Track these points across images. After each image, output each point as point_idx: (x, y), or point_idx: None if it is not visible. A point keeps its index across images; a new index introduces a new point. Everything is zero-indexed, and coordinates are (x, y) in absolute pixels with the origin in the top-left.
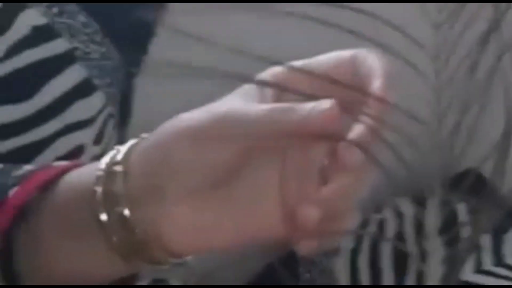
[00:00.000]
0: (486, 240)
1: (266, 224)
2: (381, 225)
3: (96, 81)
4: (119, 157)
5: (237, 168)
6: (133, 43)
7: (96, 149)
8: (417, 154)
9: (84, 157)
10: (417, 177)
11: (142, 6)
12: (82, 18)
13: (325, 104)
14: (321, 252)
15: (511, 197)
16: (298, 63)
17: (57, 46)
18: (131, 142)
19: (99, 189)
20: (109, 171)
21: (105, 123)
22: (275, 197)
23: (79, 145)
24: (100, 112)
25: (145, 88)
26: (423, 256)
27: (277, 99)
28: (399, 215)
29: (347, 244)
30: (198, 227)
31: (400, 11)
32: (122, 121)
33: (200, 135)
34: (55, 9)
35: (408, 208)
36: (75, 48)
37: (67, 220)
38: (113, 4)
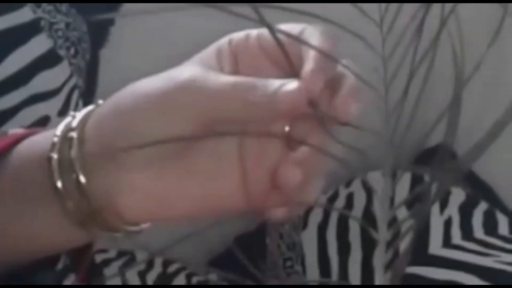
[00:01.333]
0: (454, 214)
1: (225, 194)
2: (350, 198)
3: (61, 52)
4: (75, 123)
5: (194, 142)
6: (99, 13)
7: (61, 120)
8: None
9: (49, 128)
10: (385, 151)
11: None
12: None
13: (292, 85)
14: (289, 222)
15: (467, 161)
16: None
17: (22, 16)
18: (87, 108)
19: (54, 155)
20: (64, 137)
21: (70, 95)
22: (235, 168)
23: (43, 116)
24: (65, 83)
25: (111, 58)
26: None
27: (235, 69)
28: (368, 188)
29: (315, 217)
30: (154, 196)
31: None
32: (88, 92)
33: (159, 104)
34: None
35: (378, 182)
36: (40, 18)
37: (23, 186)
38: None
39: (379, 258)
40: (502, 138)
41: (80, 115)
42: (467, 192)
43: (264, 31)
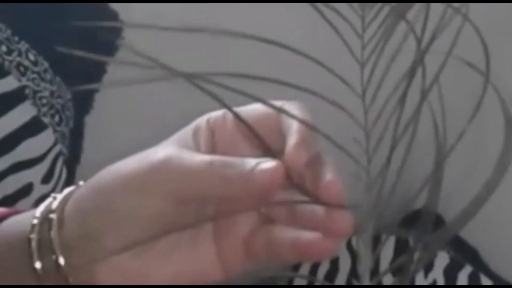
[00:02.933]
0: (439, 278)
1: (203, 268)
2: (335, 262)
3: (45, 120)
4: (55, 205)
5: (174, 219)
6: (84, 81)
7: (45, 188)
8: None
9: (32, 196)
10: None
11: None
12: (31, 56)
13: (269, 163)
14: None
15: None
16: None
17: (6, 84)
18: (67, 189)
19: (34, 237)
20: (44, 219)
21: (54, 162)
22: (211, 243)
23: (27, 183)
24: (49, 150)
25: (96, 126)
26: None
27: (212, 147)
28: (353, 251)
29: (300, 282)
30: (134, 275)
31: (326, 49)
32: (72, 159)
33: (136, 184)
34: (4, 48)
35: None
36: (25, 86)
37: (3, 266)
38: (65, 42)
39: None
40: (487, 202)
41: (60, 196)
42: (451, 255)
43: (241, 110)
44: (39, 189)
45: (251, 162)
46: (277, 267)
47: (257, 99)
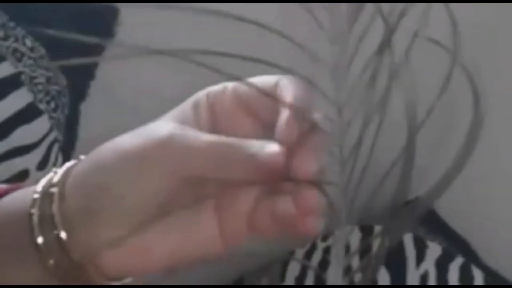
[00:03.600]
0: (431, 269)
1: (204, 243)
2: (327, 251)
3: (41, 106)
4: (56, 179)
5: (176, 195)
6: (80, 68)
7: (41, 174)
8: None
9: (28, 182)
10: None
11: (91, 29)
12: (28, 42)
13: (273, 147)
14: (267, 276)
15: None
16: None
17: (2, 70)
18: (68, 163)
19: (35, 211)
20: (45, 193)
21: (49, 148)
22: (212, 217)
23: (23, 169)
24: (44, 137)
25: (91, 112)
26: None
27: (212, 121)
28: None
29: (293, 270)
30: (135, 250)
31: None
32: (67, 146)
33: (138, 161)
34: (0, 33)
35: (355, 235)
36: (21, 73)
37: (4, 241)
38: (62, 28)
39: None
40: (479, 192)
41: (61, 170)
42: (443, 246)
43: (240, 83)
44: (34, 176)
45: (255, 144)
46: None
47: (235, 78)
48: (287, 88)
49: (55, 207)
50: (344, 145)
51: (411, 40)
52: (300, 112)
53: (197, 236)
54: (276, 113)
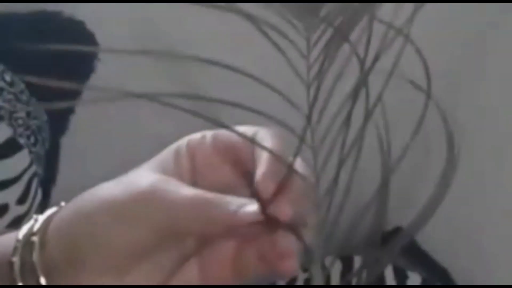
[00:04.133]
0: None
1: None
2: (307, 283)
3: (21, 140)
4: (36, 227)
5: (158, 246)
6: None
7: (20, 209)
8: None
9: (7, 216)
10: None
11: (70, 65)
12: (7, 77)
13: (252, 206)
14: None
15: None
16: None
17: None
18: (49, 211)
19: (16, 260)
20: (26, 241)
21: (29, 182)
22: (194, 264)
23: (3, 204)
24: (24, 171)
25: (71, 147)
26: None
27: (193, 170)
28: (326, 272)
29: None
30: None
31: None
32: (47, 180)
33: (118, 212)
34: None
35: (335, 266)
36: (0, 107)
37: None
38: (40, 63)
39: None
40: (458, 222)
41: (42, 218)
42: (423, 276)
43: (219, 132)
44: (14, 210)
45: (234, 202)
46: None
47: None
48: (266, 138)
49: (35, 255)
50: (319, 186)
51: (386, 80)
52: (278, 162)
53: (178, 281)
54: (254, 161)
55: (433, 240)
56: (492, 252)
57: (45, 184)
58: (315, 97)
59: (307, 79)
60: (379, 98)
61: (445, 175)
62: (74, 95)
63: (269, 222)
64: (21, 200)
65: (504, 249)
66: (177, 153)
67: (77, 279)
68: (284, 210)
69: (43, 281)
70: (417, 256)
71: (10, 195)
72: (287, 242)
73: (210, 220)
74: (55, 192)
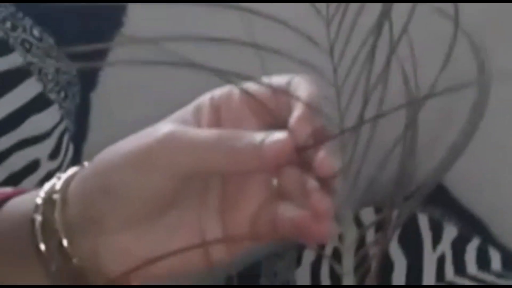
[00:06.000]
0: (447, 251)
1: (207, 248)
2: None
3: (51, 96)
4: (58, 185)
5: (178, 196)
6: (89, 57)
7: (52, 164)
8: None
9: (39, 172)
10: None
11: (99, 20)
12: (36, 32)
13: (279, 134)
14: (283, 261)
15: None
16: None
17: (11, 61)
18: (72, 169)
19: (38, 217)
20: (47, 199)
21: (60, 138)
22: (217, 220)
23: (34, 159)
24: (55, 126)
25: (102, 102)
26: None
27: (216, 125)
28: (360, 225)
29: (308, 255)
30: (138, 256)
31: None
32: (78, 135)
33: (138, 162)
34: (8, 24)
35: (370, 218)
36: (30, 63)
37: (8, 245)
38: (69, 18)
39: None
40: (495, 173)
41: (64, 177)
42: (459, 228)
43: (248, 85)
44: (46, 166)
45: (260, 134)
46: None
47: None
48: (301, 86)
49: (57, 214)
50: (343, 126)
51: (411, 10)
52: (314, 109)
53: (200, 238)
54: (285, 116)
55: (469, 192)
56: None
57: (76, 140)
58: (337, 34)
59: (326, 16)
60: (404, 30)
61: (476, 109)
62: (104, 50)
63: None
64: (52, 156)
65: None
66: (198, 108)
67: (96, 239)
68: (325, 160)
69: (64, 241)
70: (453, 207)
71: (41, 151)
72: (325, 200)
73: (234, 152)
74: (86, 148)
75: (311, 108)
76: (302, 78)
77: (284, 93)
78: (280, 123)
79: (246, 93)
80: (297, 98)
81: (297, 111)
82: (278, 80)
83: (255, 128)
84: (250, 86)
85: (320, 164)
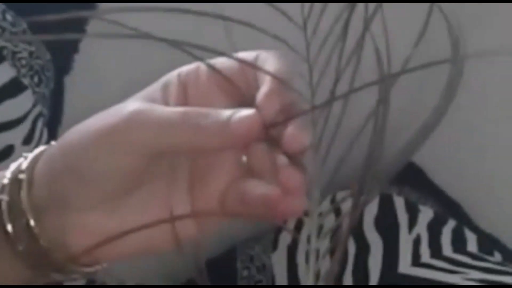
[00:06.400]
0: (423, 233)
1: (178, 223)
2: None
3: (24, 81)
4: (25, 165)
5: (146, 174)
6: (63, 41)
7: (26, 149)
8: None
9: (13, 157)
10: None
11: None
12: (9, 17)
13: (246, 112)
14: (259, 244)
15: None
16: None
17: None
18: (38, 149)
19: (4, 198)
20: (14, 179)
21: (34, 123)
22: (185, 197)
23: (8, 145)
24: (29, 112)
25: (77, 86)
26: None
27: (184, 102)
28: (337, 208)
29: (285, 239)
30: (105, 234)
31: None
32: (53, 120)
33: (104, 140)
34: None
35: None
36: (3, 47)
37: None
38: (43, 3)
39: (311, 268)
40: (471, 155)
41: (30, 156)
42: (435, 210)
43: (216, 61)
44: (20, 150)
45: (227, 111)
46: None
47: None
48: (269, 61)
49: (23, 194)
50: (315, 102)
51: None
52: (282, 84)
53: (170, 214)
54: (254, 92)
55: (445, 175)
56: (507, 188)
57: (51, 125)
58: (310, 9)
59: None
60: (378, 7)
61: (449, 86)
62: (78, 31)
63: (272, 146)
64: (26, 141)
65: None
66: (165, 85)
67: (64, 218)
68: (293, 136)
69: (31, 221)
70: (429, 189)
71: (15, 136)
72: (296, 176)
73: (201, 130)
74: (61, 132)
75: (279, 82)
76: (269, 53)
77: (251, 68)
78: (248, 100)
79: (212, 69)
80: (265, 73)
81: (265, 87)
82: (246, 55)
83: (223, 106)
84: (218, 62)
85: (289, 140)
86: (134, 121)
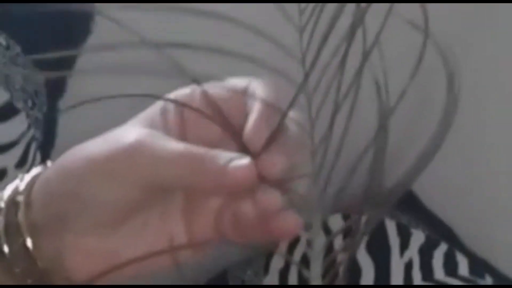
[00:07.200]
0: (415, 256)
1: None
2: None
3: (18, 104)
4: (22, 187)
5: (144, 202)
6: (57, 65)
7: (19, 173)
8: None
9: (6, 181)
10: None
11: (67, 29)
12: (2, 40)
13: (243, 160)
14: (251, 268)
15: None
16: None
17: None
18: (35, 170)
19: (0, 220)
20: (11, 201)
21: (28, 146)
22: (181, 224)
23: (1, 168)
24: (22, 135)
25: (70, 111)
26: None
27: (181, 125)
28: (328, 231)
29: (276, 262)
30: (103, 257)
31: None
32: (46, 143)
33: (105, 168)
34: None
35: (338, 224)
36: None
37: None
38: (37, 26)
39: None
40: (463, 179)
41: (27, 178)
42: (426, 233)
43: (209, 86)
44: (13, 174)
45: (224, 156)
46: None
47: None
48: (257, 90)
49: (20, 215)
50: (314, 134)
51: (383, 21)
52: (269, 113)
53: (165, 239)
54: (245, 117)
55: (437, 198)
56: (497, 212)
57: (44, 148)
58: (309, 41)
59: (299, 24)
60: (377, 40)
61: (445, 118)
62: (72, 58)
63: (260, 177)
64: (19, 164)
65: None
66: (164, 108)
67: (62, 240)
68: (274, 160)
69: (28, 242)
70: (420, 213)
71: (8, 159)
72: (269, 199)
73: (197, 174)
74: (54, 156)
75: (268, 111)
76: (259, 82)
77: (240, 94)
78: (239, 125)
79: (203, 93)
80: (253, 99)
81: (252, 117)
82: (237, 82)
83: (217, 130)
84: (210, 87)
85: (265, 165)
86: (133, 154)
